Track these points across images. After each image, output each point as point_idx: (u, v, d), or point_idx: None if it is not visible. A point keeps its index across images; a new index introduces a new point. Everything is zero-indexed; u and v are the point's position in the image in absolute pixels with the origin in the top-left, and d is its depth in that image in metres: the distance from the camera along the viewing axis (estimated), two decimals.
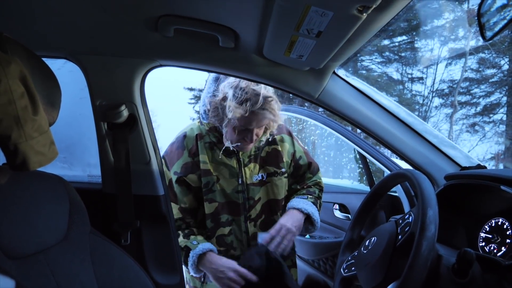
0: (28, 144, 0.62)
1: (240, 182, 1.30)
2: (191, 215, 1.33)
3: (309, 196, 1.37)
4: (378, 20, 0.73)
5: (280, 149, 1.35)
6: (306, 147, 1.48)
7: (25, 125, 0.61)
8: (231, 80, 1.18)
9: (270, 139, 1.33)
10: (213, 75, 1.25)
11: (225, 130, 1.22)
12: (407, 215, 0.79)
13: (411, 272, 0.63)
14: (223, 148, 1.26)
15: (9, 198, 0.75)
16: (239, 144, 1.24)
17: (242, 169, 1.31)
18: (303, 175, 1.42)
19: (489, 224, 0.91)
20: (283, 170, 1.35)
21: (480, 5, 0.77)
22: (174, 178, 1.29)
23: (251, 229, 1.33)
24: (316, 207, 1.36)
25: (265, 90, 1.17)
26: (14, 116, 0.59)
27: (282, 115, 1.28)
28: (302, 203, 1.33)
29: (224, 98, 1.17)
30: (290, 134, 1.40)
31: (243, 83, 1.16)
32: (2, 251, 0.69)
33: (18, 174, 0.76)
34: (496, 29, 0.76)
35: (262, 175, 1.33)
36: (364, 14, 0.66)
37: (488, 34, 0.77)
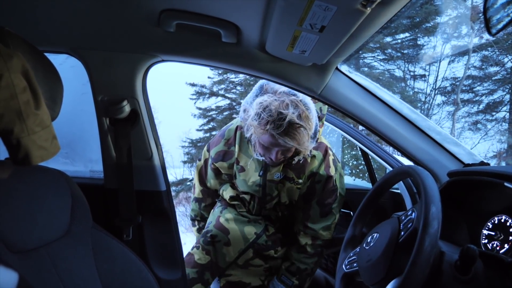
0: (31, 138, 0.61)
1: (261, 175, 1.32)
2: (211, 197, 1.50)
3: (295, 282, 1.38)
4: (382, 15, 0.72)
5: (309, 161, 1.33)
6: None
7: (27, 119, 0.61)
8: (265, 98, 1.15)
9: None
10: (261, 81, 1.21)
11: (253, 139, 1.26)
12: (410, 212, 0.79)
13: (413, 268, 0.63)
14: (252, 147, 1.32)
15: (11, 192, 0.75)
16: (266, 159, 1.27)
17: (268, 166, 1.32)
18: (309, 201, 1.36)
19: (492, 221, 0.91)
20: (300, 181, 1.34)
21: (486, 0, 0.76)
22: (210, 161, 1.41)
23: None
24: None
25: (296, 114, 1.11)
26: (16, 110, 0.59)
27: (311, 143, 1.22)
28: None
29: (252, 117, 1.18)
30: (324, 155, 1.34)
31: (274, 105, 1.12)
32: (5, 245, 0.69)
33: (20, 168, 0.76)
34: (500, 26, 0.76)
35: (280, 174, 1.33)
36: (368, 8, 0.66)
37: (494, 29, 0.77)
